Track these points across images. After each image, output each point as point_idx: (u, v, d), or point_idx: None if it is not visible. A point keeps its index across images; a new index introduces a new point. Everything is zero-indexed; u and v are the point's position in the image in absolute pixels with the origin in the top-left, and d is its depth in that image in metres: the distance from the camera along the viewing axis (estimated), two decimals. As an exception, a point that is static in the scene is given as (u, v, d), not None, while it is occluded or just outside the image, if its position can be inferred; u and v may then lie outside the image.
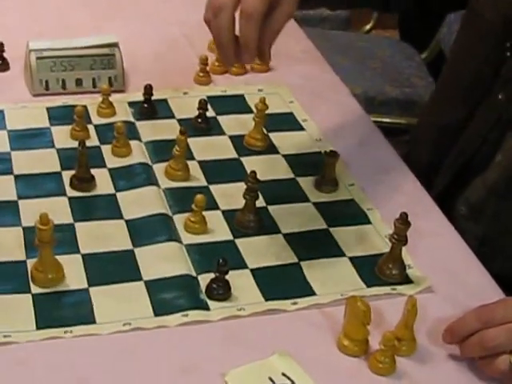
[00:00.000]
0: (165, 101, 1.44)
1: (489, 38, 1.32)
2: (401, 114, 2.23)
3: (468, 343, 0.98)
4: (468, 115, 1.35)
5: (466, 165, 1.36)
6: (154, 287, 1.04)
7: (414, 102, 2.26)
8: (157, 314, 1.00)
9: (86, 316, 0.99)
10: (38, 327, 0.97)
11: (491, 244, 1.27)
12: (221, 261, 1.03)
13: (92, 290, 1.03)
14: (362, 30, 2.63)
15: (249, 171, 1.25)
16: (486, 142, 1.32)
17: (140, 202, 1.18)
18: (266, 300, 1.04)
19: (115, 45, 1.46)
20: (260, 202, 1.20)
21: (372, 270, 1.10)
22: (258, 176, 1.24)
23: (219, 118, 1.41)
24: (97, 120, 1.37)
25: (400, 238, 1.08)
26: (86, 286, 1.04)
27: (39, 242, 1.01)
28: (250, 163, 1.30)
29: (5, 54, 1.49)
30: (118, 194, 1.21)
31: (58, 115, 1.36)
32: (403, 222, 1.07)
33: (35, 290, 1.02)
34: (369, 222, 1.20)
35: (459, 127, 1.36)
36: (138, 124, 1.37)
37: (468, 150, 1.35)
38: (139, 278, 1.05)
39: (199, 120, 1.37)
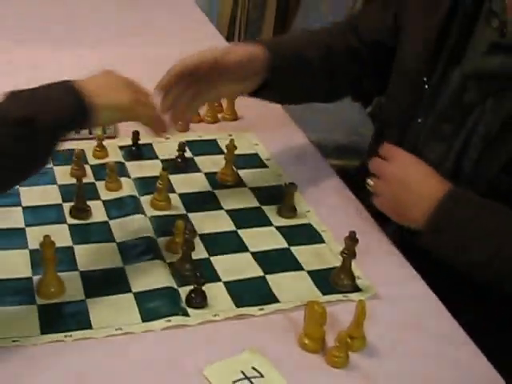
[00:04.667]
0: (150, 144, 1.44)
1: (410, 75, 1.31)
2: (350, 158, 2.24)
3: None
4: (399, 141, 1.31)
5: None
6: (142, 298, 1.04)
7: (361, 148, 2.27)
8: (144, 320, 1.00)
9: (83, 322, 0.99)
10: (43, 332, 0.97)
11: None
12: (198, 274, 1.04)
13: (88, 301, 1.03)
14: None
15: (221, 202, 1.28)
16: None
17: (129, 228, 1.19)
18: (237, 307, 1.04)
19: (107, 100, 1.46)
20: (230, 226, 1.22)
21: (327, 280, 1.11)
22: (230, 205, 1.27)
23: (195, 158, 1.41)
24: (92, 161, 1.37)
25: (350, 252, 1.09)
26: (83, 297, 1.03)
27: (44, 260, 1.01)
28: (221, 195, 1.30)
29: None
30: (111, 222, 1.21)
31: (59, 157, 1.35)
32: (352, 239, 1.08)
33: (40, 301, 1.02)
34: (323, 242, 1.20)
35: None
36: (128, 164, 1.37)
37: None
38: (129, 291, 1.05)
39: (179, 160, 1.38)
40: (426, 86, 1.26)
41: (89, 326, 0.98)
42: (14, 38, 1.87)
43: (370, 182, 1.21)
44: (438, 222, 1.12)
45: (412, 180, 1.17)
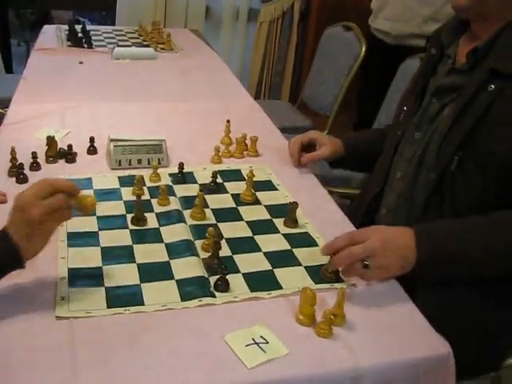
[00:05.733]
0: (191, 173, 1.45)
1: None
2: (343, 187, 2.23)
3: (339, 255, 1.05)
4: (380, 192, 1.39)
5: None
6: (181, 283, 1.05)
7: (352, 179, 2.26)
8: (182, 299, 1.01)
9: (138, 300, 1.00)
10: (108, 307, 0.98)
11: None
12: (223, 267, 1.05)
13: (142, 284, 1.04)
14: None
15: (242, 215, 1.28)
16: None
17: (174, 233, 1.19)
18: (251, 292, 1.05)
19: (163, 140, 1.49)
20: (248, 233, 1.22)
21: (318, 273, 1.11)
22: (249, 217, 1.26)
23: (225, 183, 1.42)
24: (149, 183, 1.39)
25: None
26: (138, 282, 1.05)
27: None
28: (243, 210, 1.31)
29: (95, 144, 1.52)
30: (161, 228, 1.22)
31: (125, 181, 1.38)
32: (337, 243, 1.08)
33: (107, 284, 1.04)
34: (316, 245, 1.20)
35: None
36: (174, 186, 1.38)
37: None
38: (172, 278, 1.06)
39: (212, 184, 1.39)
40: (404, 109, 1.37)
41: (142, 303, 1.00)
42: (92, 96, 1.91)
43: (367, 262, 1.04)
44: (427, 255, 1.06)
45: (389, 242, 1.06)
